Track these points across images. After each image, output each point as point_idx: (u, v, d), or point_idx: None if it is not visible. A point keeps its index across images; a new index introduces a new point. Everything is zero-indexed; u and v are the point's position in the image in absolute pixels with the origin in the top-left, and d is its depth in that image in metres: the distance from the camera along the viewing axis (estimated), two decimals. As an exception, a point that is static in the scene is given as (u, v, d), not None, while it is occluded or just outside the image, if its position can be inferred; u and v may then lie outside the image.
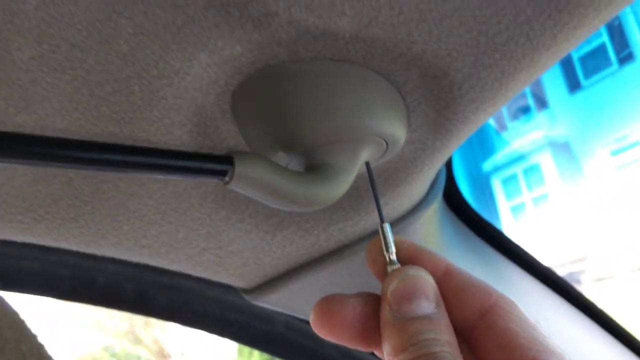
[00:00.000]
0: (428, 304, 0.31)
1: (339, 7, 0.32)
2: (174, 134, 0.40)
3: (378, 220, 0.48)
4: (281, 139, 0.38)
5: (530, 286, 0.68)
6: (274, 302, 0.60)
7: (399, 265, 0.34)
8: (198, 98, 0.38)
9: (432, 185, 0.58)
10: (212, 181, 0.46)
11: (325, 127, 0.37)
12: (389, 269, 0.34)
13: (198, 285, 0.61)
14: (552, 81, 6.54)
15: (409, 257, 0.35)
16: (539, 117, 6.64)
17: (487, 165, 6.77)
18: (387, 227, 0.35)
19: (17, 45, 0.32)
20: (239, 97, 0.39)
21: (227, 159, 0.33)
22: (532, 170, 6.84)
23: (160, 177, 0.43)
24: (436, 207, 0.58)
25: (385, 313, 0.32)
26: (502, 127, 6.74)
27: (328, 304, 0.34)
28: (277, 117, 0.38)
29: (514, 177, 6.90)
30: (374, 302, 0.34)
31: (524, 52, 0.37)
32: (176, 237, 0.50)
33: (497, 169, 6.79)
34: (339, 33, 0.34)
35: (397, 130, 0.41)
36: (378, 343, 0.32)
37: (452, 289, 0.33)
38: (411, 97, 0.41)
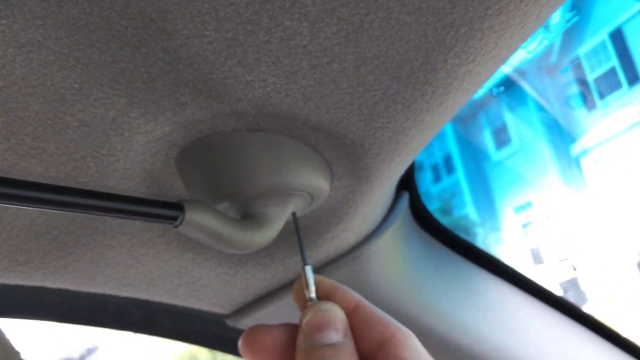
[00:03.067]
0: (336, 334, 0.37)
1: (234, 95, 0.38)
2: None
3: (328, 253, 0.54)
4: (217, 194, 0.44)
5: (506, 292, 0.70)
6: (251, 325, 0.66)
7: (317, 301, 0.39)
8: (146, 167, 0.46)
9: (388, 214, 0.62)
10: (174, 230, 0.53)
11: (251, 185, 0.43)
12: (308, 304, 0.39)
13: (197, 309, 0.70)
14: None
15: (326, 294, 0.40)
16: (631, 92, 6.16)
17: (576, 148, 6.40)
18: (308, 269, 0.41)
19: None
20: (181, 163, 0.46)
21: (179, 206, 0.38)
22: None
23: (120, 219, 0.48)
24: (395, 232, 0.62)
25: (300, 341, 0.37)
26: (591, 105, 6.33)
27: (254, 333, 0.40)
28: (211, 177, 0.44)
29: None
30: (294, 332, 0.39)
31: (406, 115, 0.41)
32: (152, 276, 0.58)
33: (587, 151, 6.39)
34: (245, 111, 0.40)
35: (318, 183, 0.46)
36: None
37: (360, 322, 0.38)
38: (327, 154, 0.46)
